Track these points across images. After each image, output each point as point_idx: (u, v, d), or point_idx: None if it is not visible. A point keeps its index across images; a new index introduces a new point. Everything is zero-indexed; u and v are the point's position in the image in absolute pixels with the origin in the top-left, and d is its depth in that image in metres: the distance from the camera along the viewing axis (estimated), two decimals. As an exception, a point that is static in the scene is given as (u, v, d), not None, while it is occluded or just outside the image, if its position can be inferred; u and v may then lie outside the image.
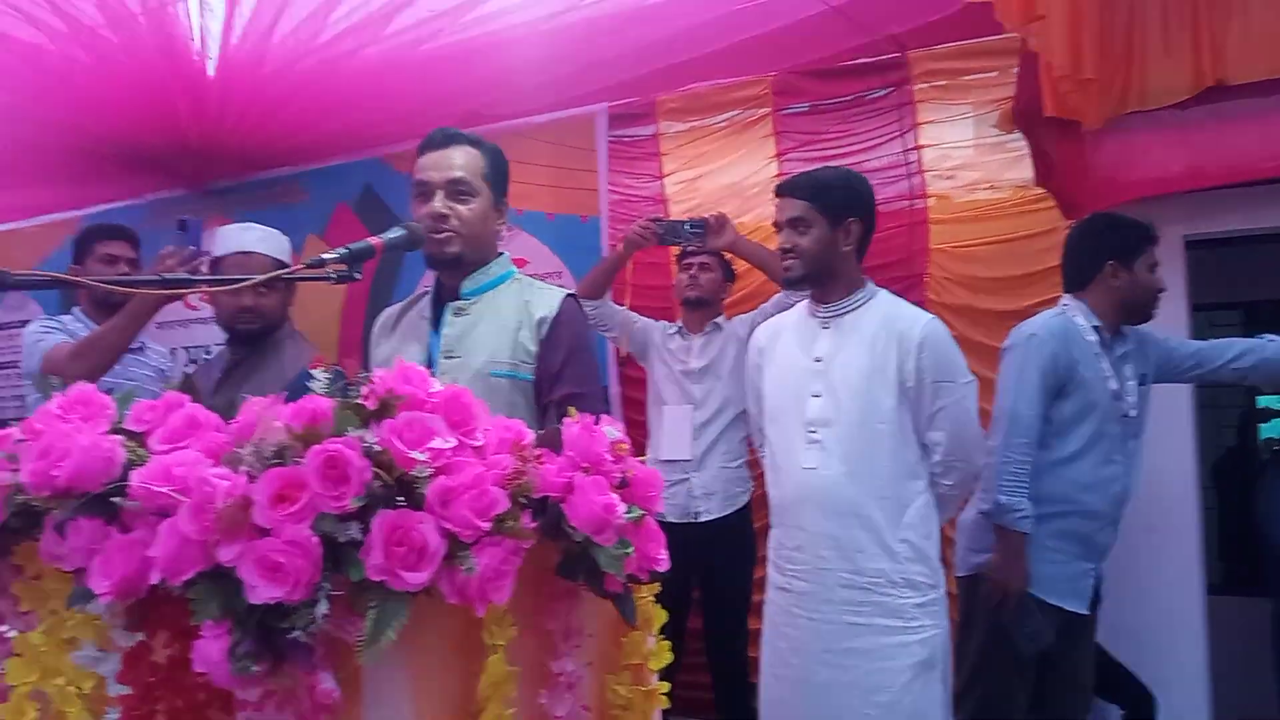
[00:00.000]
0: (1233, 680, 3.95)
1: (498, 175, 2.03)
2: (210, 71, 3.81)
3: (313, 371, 1.05)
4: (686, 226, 3.26)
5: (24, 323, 3.99)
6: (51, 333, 2.92)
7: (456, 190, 1.95)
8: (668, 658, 1.38)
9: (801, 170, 3.57)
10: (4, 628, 1.23)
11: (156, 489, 0.96)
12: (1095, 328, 2.70)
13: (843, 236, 2.35)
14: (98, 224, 3.27)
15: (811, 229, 2.35)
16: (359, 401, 1.02)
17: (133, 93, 3.85)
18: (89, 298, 3.10)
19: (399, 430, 0.99)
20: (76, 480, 1.03)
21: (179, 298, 2.71)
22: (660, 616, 1.38)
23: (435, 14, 3.43)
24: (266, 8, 3.41)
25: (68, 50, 3.55)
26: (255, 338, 2.57)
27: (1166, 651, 3.18)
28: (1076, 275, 2.78)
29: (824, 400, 2.34)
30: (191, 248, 2.62)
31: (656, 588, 1.36)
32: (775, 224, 2.44)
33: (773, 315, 3.09)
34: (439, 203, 1.94)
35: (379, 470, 0.96)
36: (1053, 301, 3.21)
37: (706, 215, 3.30)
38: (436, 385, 1.07)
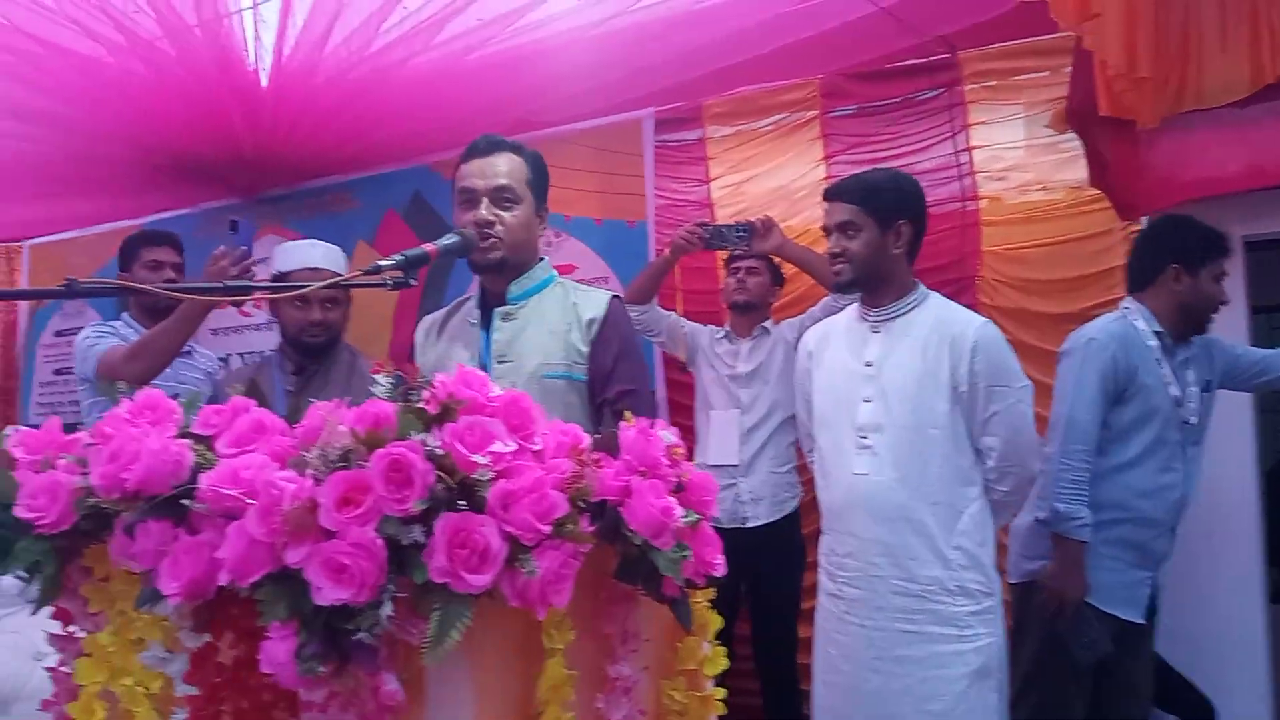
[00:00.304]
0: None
1: (539, 182, 2.05)
2: (263, 82, 3.87)
3: (375, 376, 1.06)
4: (733, 230, 3.25)
5: (81, 329, 4.08)
6: (105, 337, 2.99)
7: (501, 197, 1.97)
8: (723, 663, 1.37)
9: (850, 173, 3.59)
10: (73, 628, 1.26)
11: (225, 492, 0.98)
12: (1156, 333, 2.66)
13: (893, 239, 2.34)
14: (142, 231, 3.33)
15: (861, 232, 2.34)
16: (421, 406, 1.02)
17: (188, 104, 3.92)
18: (138, 304, 3.17)
19: (460, 434, 1.00)
20: (146, 483, 1.05)
21: (230, 301, 2.75)
22: (716, 622, 1.38)
23: (484, 22, 3.45)
24: (319, 19, 3.46)
25: (126, 63, 3.62)
26: (320, 350, 2.69)
27: (1227, 660, 3.11)
28: (1139, 275, 2.75)
29: (875, 405, 2.32)
30: (243, 248, 2.66)
31: (712, 593, 1.36)
32: (824, 228, 2.43)
33: (821, 319, 3.08)
34: (485, 209, 1.95)
35: (441, 473, 0.97)
36: (1108, 304, 3.18)
37: (753, 219, 3.29)
38: (496, 389, 1.08)
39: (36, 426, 1.16)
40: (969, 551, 2.25)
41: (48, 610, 1.24)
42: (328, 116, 4.03)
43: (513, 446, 1.02)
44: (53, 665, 1.26)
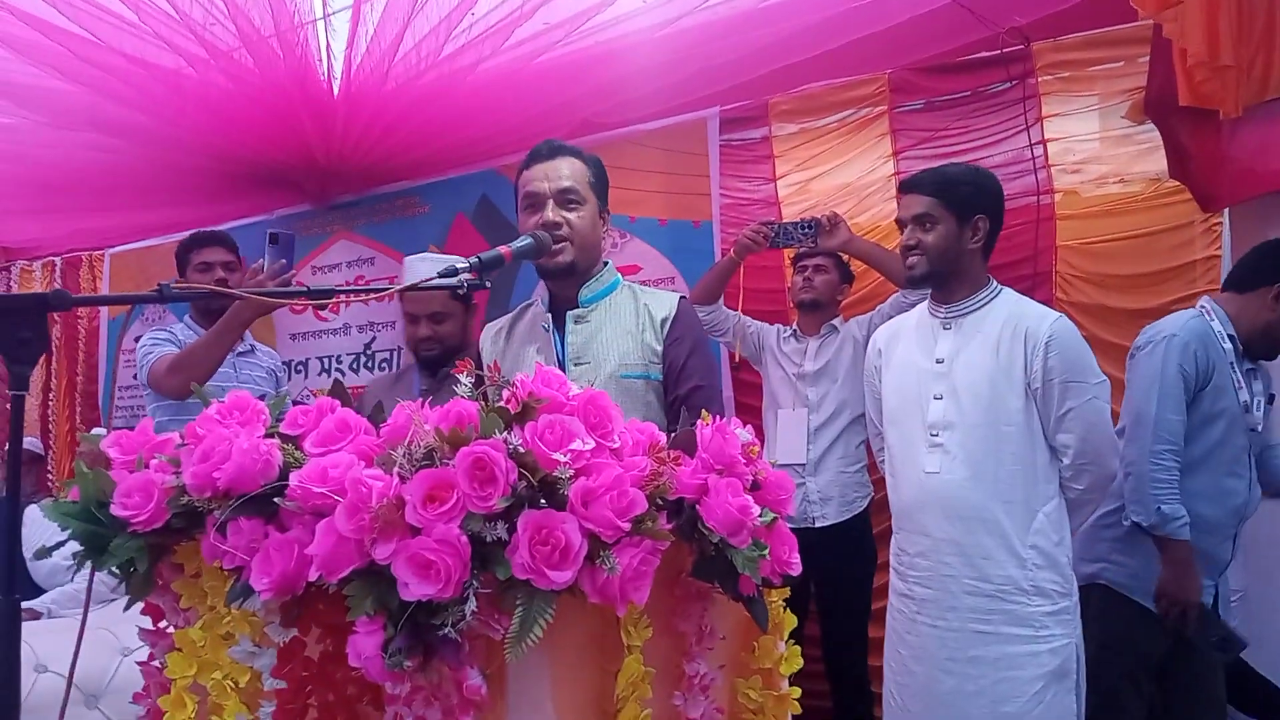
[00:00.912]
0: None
1: (601, 184, 2.07)
2: (335, 91, 3.95)
3: (458, 375, 1.07)
4: (798, 228, 3.22)
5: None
6: (159, 345, 3.02)
7: (567, 199, 1.99)
8: (798, 663, 1.37)
9: (918, 168, 3.54)
10: (164, 623, 1.29)
11: (314, 489, 1.00)
12: (1230, 336, 2.59)
13: (970, 234, 2.31)
14: (193, 233, 3.35)
15: (938, 225, 2.31)
16: (502, 405, 1.04)
17: (264, 113, 4.02)
18: (196, 306, 3.21)
19: (540, 432, 1.01)
20: (236, 482, 1.08)
21: (277, 307, 2.80)
22: (791, 621, 1.37)
23: (550, 26, 3.48)
24: (389, 27, 3.52)
25: (206, 74, 3.73)
26: (437, 363, 2.88)
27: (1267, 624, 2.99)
28: (1241, 276, 2.69)
29: (946, 402, 2.29)
30: (283, 261, 2.69)
31: (787, 592, 1.36)
32: (898, 220, 2.40)
33: (891, 316, 3.04)
34: (551, 211, 1.97)
35: (523, 471, 0.99)
36: (1189, 299, 3.09)
37: (819, 215, 3.26)
38: (574, 389, 1.09)
39: (129, 429, 1.20)
40: (1045, 551, 2.21)
41: (133, 606, 1.28)
42: (397, 122, 4.10)
43: (591, 444, 1.03)
44: (143, 660, 1.30)
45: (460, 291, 1.58)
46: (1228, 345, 2.59)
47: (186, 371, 2.73)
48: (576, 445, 1.02)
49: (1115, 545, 2.67)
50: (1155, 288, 3.18)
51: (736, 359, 3.68)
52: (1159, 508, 2.48)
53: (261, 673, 1.14)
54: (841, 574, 3.27)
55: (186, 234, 5.34)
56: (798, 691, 1.35)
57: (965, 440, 2.25)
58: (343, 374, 4.76)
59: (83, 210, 5.31)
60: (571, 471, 1.00)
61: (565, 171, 1.99)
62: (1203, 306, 2.68)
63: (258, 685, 1.15)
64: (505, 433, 1.01)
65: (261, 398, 1.26)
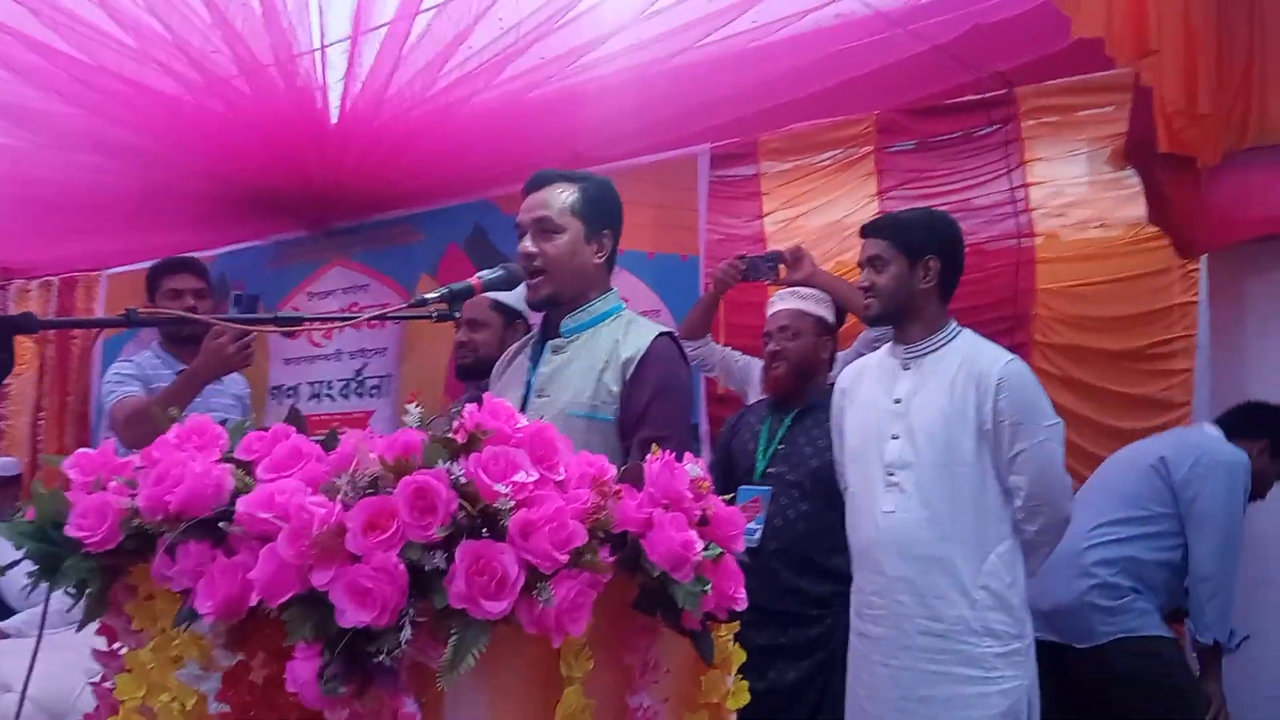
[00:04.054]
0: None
1: (594, 208, 2.03)
2: (333, 119, 4.01)
3: (408, 406, 1.10)
4: (764, 261, 3.27)
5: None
6: (124, 382, 2.97)
7: (541, 229, 1.99)
8: (745, 698, 1.37)
9: (902, 207, 3.59)
10: (117, 645, 1.31)
11: (259, 515, 1.02)
12: None
13: (921, 274, 2.35)
14: (164, 259, 3.30)
15: (889, 266, 2.36)
16: (449, 435, 1.06)
17: (261, 140, 4.07)
18: (164, 332, 3.16)
19: (484, 463, 1.03)
20: (187, 505, 1.09)
21: (233, 368, 2.78)
22: (739, 656, 1.38)
23: (545, 61, 3.53)
24: (386, 58, 3.58)
25: (204, 100, 3.78)
26: (471, 371, 2.91)
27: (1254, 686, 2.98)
28: (1232, 426, 2.87)
29: (903, 442, 2.31)
30: (247, 333, 2.66)
31: (736, 627, 1.36)
32: (858, 263, 2.45)
33: (860, 354, 3.07)
34: (526, 242, 1.99)
35: (464, 501, 1.00)
36: (1166, 343, 3.15)
37: (782, 249, 3.30)
38: (523, 421, 1.11)
39: None
40: (996, 592, 2.21)
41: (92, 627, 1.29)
42: (393, 152, 4.15)
43: (535, 476, 1.05)
44: (96, 680, 1.31)
45: (432, 320, 1.60)
46: None
47: (142, 427, 2.71)
48: (519, 477, 1.03)
49: None
50: (1133, 331, 3.22)
51: (720, 392, 3.70)
52: (1233, 629, 2.66)
53: (207, 696, 1.15)
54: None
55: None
56: (746, 726, 1.36)
57: (920, 480, 2.26)
58: (333, 399, 4.80)
59: (80, 232, 5.37)
60: (512, 503, 1.01)
61: (544, 201, 2.00)
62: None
63: (203, 708, 1.16)
64: (450, 463, 1.03)
65: (223, 423, 1.28)
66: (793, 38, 3.35)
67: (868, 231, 2.44)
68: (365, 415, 4.65)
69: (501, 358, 2.25)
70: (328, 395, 4.81)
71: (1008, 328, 3.26)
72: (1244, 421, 2.85)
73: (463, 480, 1.02)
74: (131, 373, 2.97)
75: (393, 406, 4.58)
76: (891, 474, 2.29)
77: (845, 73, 3.45)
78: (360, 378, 4.73)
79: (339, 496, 1.01)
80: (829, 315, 3.05)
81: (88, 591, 1.19)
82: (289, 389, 4.89)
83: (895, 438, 2.31)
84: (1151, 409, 3.14)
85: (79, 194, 4.70)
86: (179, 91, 3.74)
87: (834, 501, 2.59)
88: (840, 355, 3.36)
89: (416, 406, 1.10)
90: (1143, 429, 3.12)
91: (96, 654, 1.29)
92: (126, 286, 5.81)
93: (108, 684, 1.28)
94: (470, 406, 1.11)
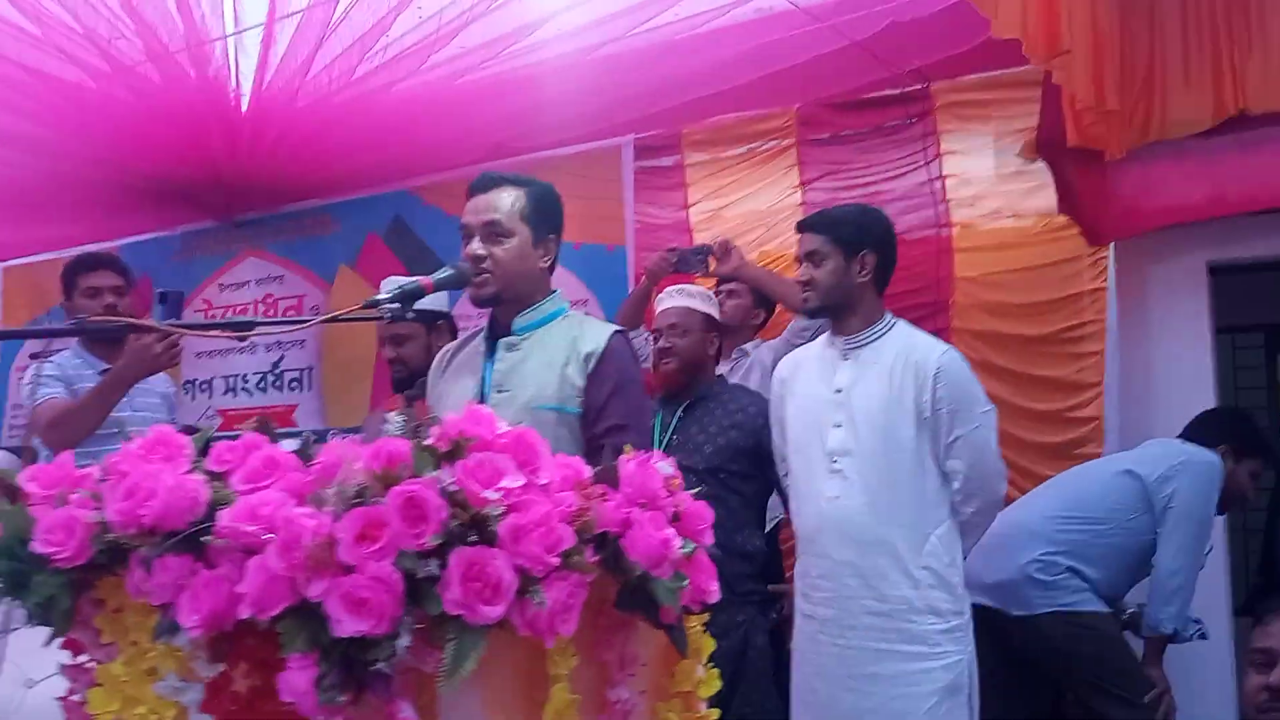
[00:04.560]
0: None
1: (540, 214, 2.06)
2: (244, 107, 3.91)
3: (386, 414, 1.10)
4: (693, 254, 3.34)
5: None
6: (46, 384, 2.88)
7: (491, 232, 2.00)
8: (716, 685, 1.42)
9: (824, 198, 3.68)
10: (84, 658, 1.28)
11: (244, 528, 1.01)
12: None
13: (858, 268, 2.42)
14: (78, 257, 3.20)
15: (826, 261, 2.43)
16: (432, 443, 1.07)
17: (169, 128, 3.95)
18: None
19: (472, 470, 1.04)
20: (163, 519, 1.08)
21: (160, 368, 2.71)
22: (709, 645, 1.42)
23: (467, 50, 3.51)
24: (301, 46, 3.50)
25: (108, 88, 3.65)
26: (405, 385, 2.94)
27: (1193, 673, 3.16)
28: (1195, 436, 2.94)
29: (844, 430, 2.39)
30: (170, 321, 2.61)
31: (705, 617, 1.40)
32: (796, 258, 2.51)
33: (790, 343, 3.15)
34: (475, 245, 2.00)
35: (455, 509, 1.01)
36: (1076, 328, 3.28)
37: (710, 242, 3.36)
38: (503, 426, 1.12)
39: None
40: (936, 571, 2.31)
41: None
42: (308, 141, 4.07)
43: (521, 481, 1.07)
44: (63, 695, 1.29)
45: (385, 320, 1.59)
46: None
47: (66, 430, 2.66)
48: (506, 482, 1.05)
49: None
50: (1046, 316, 3.36)
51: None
52: (1191, 618, 2.79)
53: (188, 708, 1.14)
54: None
55: (79, 248, 5.22)
56: (716, 714, 1.40)
57: (862, 467, 2.35)
58: (249, 393, 4.69)
59: (-28, 224, 5.11)
60: (502, 509, 1.03)
61: (493, 204, 2.01)
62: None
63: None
64: (436, 471, 1.04)
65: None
66: (715, 31, 3.39)
67: (804, 227, 2.50)
68: (287, 409, 4.55)
69: (438, 356, 2.24)
70: (244, 389, 4.70)
71: (929, 313, 3.38)
72: (1203, 430, 2.96)
73: (452, 488, 1.03)
74: (53, 374, 2.87)
75: (317, 400, 4.50)
76: (834, 461, 2.37)
77: (767, 67, 3.50)
78: (278, 371, 4.62)
79: (327, 507, 1.02)
80: (714, 312, 3.17)
81: (55, 607, 1.17)
82: (203, 383, 4.76)
83: (837, 426, 2.39)
84: (1065, 390, 3.29)
85: (-28, 186, 4.49)
86: (81, 79, 3.61)
87: (730, 485, 2.77)
88: (769, 344, 3.44)
89: (397, 413, 1.11)
90: (1057, 409, 3.28)
91: (63, 668, 1.26)
92: (25, 279, 5.58)
93: (76, 698, 1.26)
94: (450, 414, 1.11)
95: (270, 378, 4.65)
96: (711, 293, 3.25)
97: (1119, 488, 2.86)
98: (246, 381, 4.69)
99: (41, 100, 3.68)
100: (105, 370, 2.78)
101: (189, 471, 1.15)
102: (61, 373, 2.89)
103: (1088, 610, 2.79)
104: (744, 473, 2.88)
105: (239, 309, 4.78)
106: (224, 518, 1.04)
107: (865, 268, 2.42)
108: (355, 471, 1.03)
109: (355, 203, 4.56)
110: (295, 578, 0.98)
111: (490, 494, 1.03)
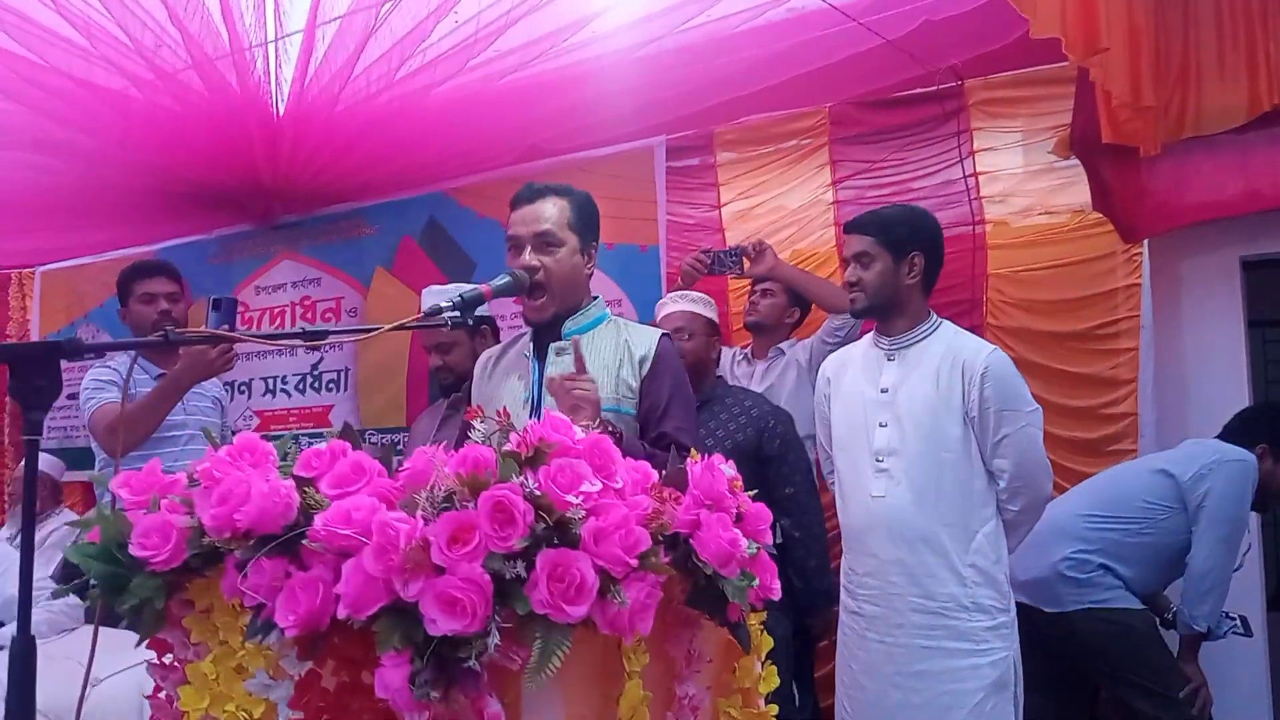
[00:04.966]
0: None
1: (584, 221, 2.13)
2: (282, 112, 3.97)
3: (471, 421, 1.15)
4: (728, 255, 3.37)
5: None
6: (103, 388, 2.95)
7: (544, 243, 2.06)
8: (775, 682, 1.46)
9: (856, 197, 3.71)
10: (168, 657, 1.34)
11: (339, 531, 1.06)
12: None
13: (906, 270, 2.44)
14: (134, 264, 3.26)
15: (875, 263, 2.45)
16: (515, 450, 1.11)
17: (210, 134, 4.01)
18: (139, 336, 3.11)
19: (554, 475, 1.09)
20: (258, 523, 1.13)
21: (215, 374, 2.80)
22: (768, 643, 1.46)
23: (502, 54, 3.55)
24: (339, 53, 3.56)
25: (152, 96, 3.72)
26: (451, 390, 3.05)
27: (1227, 668, 3.17)
28: (1234, 432, 2.96)
29: (890, 430, 2.42)
30: (225, 326, 2.63)
31: (764, 615, 1.45)
32: (842, 259, 2.53)
33: (827, 343, 3.18)
34: (528, 255, 2.05)
35: (539, 512, 1.06)
36: (1111, 324, 3.30)
37: (745, 243, 3.39)
38: (579, 433, 1.17)
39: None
40: (983, 569, 2.34)
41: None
42: (347, 145, 4.12)
43: (599, 486, 1.11)
44: (150, 693, 1.34)
45: (446, 328, 1.64)
46: None
47: (125, 434, 2.74)
48: (586, 487, 1.10)
49: None
50: (1079, 313, 3.37)
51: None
52: (1224, 615, 2.80)
53: (277, 704, 1.19)
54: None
55: (116, 253, 5.33)
56: (774, 709, 1.44)
57: (909, 466, 2.37)
58: (288, 394, 4.76)
59: (16, 231, 5.20)
60: (583, 512, 1.08)
61: (543, 214, 2.06)
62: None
63: (273, 716, 1.20)
64: (519, 476, 1.09)
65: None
66: (748, 31, 3.42)
67: (853, 228, 2.52)
68: (324, 410, 4.63)
69: (482, 358, 2.29)
70: (283, 390, 4.77)
71: (962, 311, 3.39)
72: (1241, 429, 2.97)
73: (536, 493, 1.07)
74: (110, 379, 2.93)
75: (352, 400, 4.56)
76: (880, 460, 2.40)
77: (800, 66, 3.52)
78: (316, 372, 4.70)
79: (419, 512, 1.06)
80: (715, 316, 3.27)
81: (148, 609, 1.22)
82: (242, 385, 4.83)
83: (883, 425, 2.42)
84: (1099, 387, 3.30)
85: (16, 193, 4.56)
86: (126, 88, 3.68)
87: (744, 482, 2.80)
88: (803, 343, 3.47)
89: (480, 421, 1.15)
90: (1092, 406, 3.29)
91: (153, 667, 1.32)
92: (62, 283, 5.69)
93: (163, 695, 1.31)
94: (530, 422, 1.16)
95: (309, 379, 4.72)
96: (711, 299, 3.33)
97: (1152, 486, 2.87)
98: (286, 383, 4.76)
99: (88, 110, 3.75)
100: (160, 375, 2.84)
101: (277, 477, 1.21)
102: (118, 378, 2.95)
103: (1120, 607, 2.81)
104: (749, 471, 2.94)
105: (276, 312, 4.85)
106: (318, 522, 1.09)
107: (914, 269, 2.44)
108: (445, 477, 1.07)
109: (390, 205, 4.62)
110: (391, 579, 1.03)
111: (572, 498, 1.08)
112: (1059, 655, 2.84)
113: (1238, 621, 2.88)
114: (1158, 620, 2.93)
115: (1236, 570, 2.86)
